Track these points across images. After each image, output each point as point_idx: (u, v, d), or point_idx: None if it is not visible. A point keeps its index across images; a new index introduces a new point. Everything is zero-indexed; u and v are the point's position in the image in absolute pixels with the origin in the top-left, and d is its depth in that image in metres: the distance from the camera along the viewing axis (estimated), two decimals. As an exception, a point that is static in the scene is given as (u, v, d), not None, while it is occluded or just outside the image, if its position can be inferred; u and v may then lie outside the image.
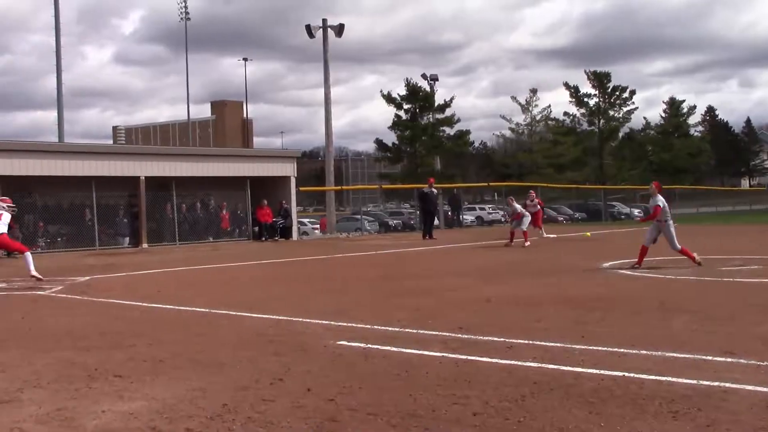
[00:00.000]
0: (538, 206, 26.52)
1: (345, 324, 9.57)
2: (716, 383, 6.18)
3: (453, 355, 7.54)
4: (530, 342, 8.10)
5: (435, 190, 31.42)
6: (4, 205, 15.50)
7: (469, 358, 7.44)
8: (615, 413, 5.53)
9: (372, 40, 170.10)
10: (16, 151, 25.48)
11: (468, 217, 46.16)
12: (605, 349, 7.67)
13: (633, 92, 74.67)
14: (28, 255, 14.98)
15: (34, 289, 14.18)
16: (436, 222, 32.48)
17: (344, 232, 38.04)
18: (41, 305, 12.20)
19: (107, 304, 12.17)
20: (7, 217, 15.30)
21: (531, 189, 28.34)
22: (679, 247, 15.84)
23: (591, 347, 7.75)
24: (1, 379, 6.98)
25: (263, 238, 30.29)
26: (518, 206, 24.74)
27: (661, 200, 15.87)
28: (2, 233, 15.12)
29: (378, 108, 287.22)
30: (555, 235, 28.31)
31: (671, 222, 15.97)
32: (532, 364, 7.07)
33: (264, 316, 10.45)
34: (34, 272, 14.76)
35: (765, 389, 6.00)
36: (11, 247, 16.08)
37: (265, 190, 31.03)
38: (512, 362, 7.18)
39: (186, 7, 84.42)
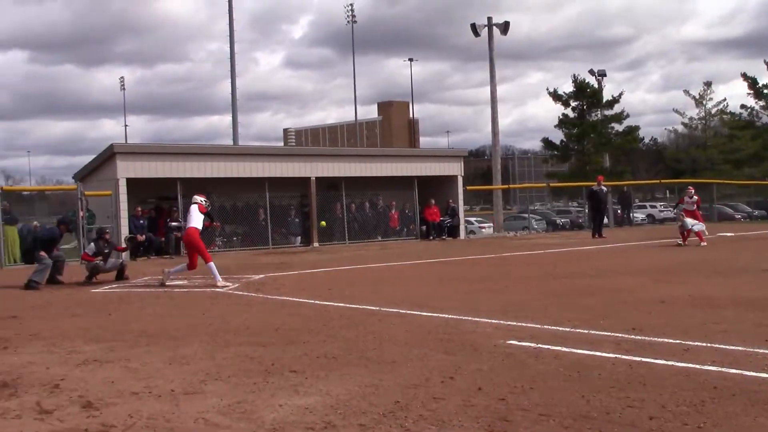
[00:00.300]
0: (695, 206, 25.21)
1: (514, 323, 9.51)
2: None
3: (626, 357, 7.37)
4: (708, 345, 7.81)
5: (604, 188, 30.74)
6: (200, 199, 15.70)
7: (644, 359, 7.24)
8: (804, 421, 5.27)
9: (537, 37, 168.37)
10: (195, 154, 26.62)
11: (638, 216, 44.90)
12: (791, 353, 7.30)
13: (818, 82, 70.54)
14: (212, 265, 15.11)
15: (212, 286, 14.78)
16: (605, 220, 31.79)
17: (511, 231, 37.78)
18: (219, 302, 12.71)
19: (281, 302, 12.56)
20: (198, 215, 15.39)
21: (689, 186, 27.08)
22: None
23: (775, 351, 7.40)
24: (186, 372, 7.32)
25: (431, 237, 30.47)
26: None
27: None
28: (193, 227, 15.29)
29: (544, 106, 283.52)
30: (732, 234, 27.16)
31: None
32: (712, 368, 6.81)
33: (433, 314, 10.51)
34: (221, 282, 14.91)
35: None
36: (199, 249, 15.25)
37: (432, 190, 31.20)
38: (690, 365, 6.94)
39: (353, 11, 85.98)
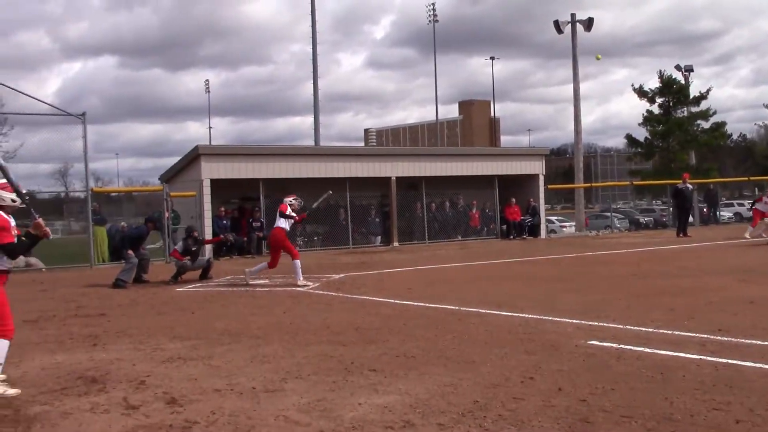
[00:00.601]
0: None
1: (596, 323, 9.39)
2: None
3: (712, 358, 7.21)
4: (802, 346, 7.60)
5: (690, 186, 30.09)
6: (288, 199, 15.68)
7: (730, 361, 7.07)
8: None
9: (622, 33, 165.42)
10: (276, 155, 26.93)
11: (725, 214, 43.82)
12: None
13: None
14: (297, 263, 15.24)
15: (293, 285, 14.93)
16: (690, 219, 31.11)
17: (594, 230, 37.27)
18: (300, 301, 12.83)
19: (361, 301, 12.62)
20: (283, 220, 15.42)
21: None
22: None
23: None
24: (267, 370, 7.42)
25: (511, 237, 30.27)
26: None
27: None
28: (279, 227, 15.37)
29: (629, 103, 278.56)
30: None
31: None
32: (802, 371, 6.62)
33: (513, 314, 10.44)
34: (301, 281, 15.08)
35: None
36: (285, 247, 15.39)
37: (513, 189, 30.98)
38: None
39: (434, 10, 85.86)
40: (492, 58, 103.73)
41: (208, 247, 21.59)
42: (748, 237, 24.35)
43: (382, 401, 6.15)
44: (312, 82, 47.57)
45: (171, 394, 6.56)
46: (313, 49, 47.57)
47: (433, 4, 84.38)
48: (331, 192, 17.33)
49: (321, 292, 14.01)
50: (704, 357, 7.28)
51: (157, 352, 8.50)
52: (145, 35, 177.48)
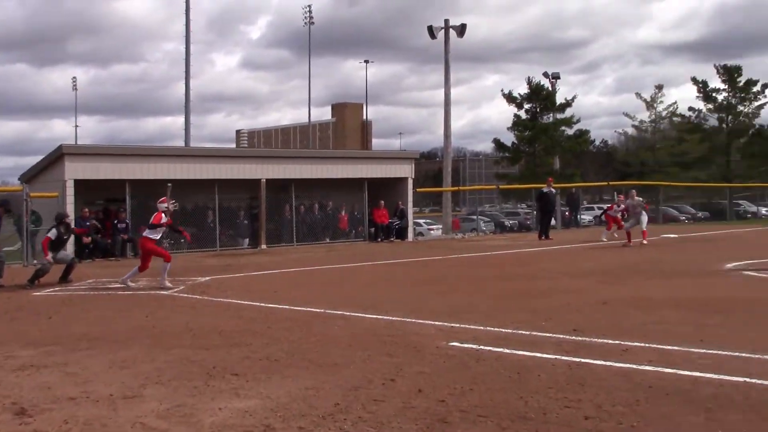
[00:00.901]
0: (621, 213, 25.66)
1: (458, 325, 9.56)
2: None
3: (567, 358, 7.45)
4: (647, 345, 7.94)
5: (554, 190, 31.03)
6: (163, 206, 15.36)
7: (583, 360, 7.34)
8: (734, 420, 5.38)
9: (495, 39, 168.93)
10: (144, 155, 26.35)
11: (586, 217, 45.43)
12: (726, 353, 7.45)
13: (766, 86, 71.94)
14: (168, 266, 15.08)
15: (157, 288, 14.65)
16: (552, 222, 32.06)
17: (460, 233, 37.95)
18: (164, 304, 12.59)
19: (226, 304, 12.48)
20: (152, 230, 15.28)
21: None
22: None
23: (711, 351, 7.54)
24: (126, 376, 7.25)
25: (379, 239, 30.49)
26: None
27: None
28: (147, 237, 15.24)
29: (498, 108, 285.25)
30: (676, 235, 27.58)
31: None
32: (648, 368, 6.92)
33: (378, 316, 10.53)
34: (166, 284, 14.90)
35: None
36: (154, 252, 15.29)
37: (382, 191, 31.21)
38: (627, 365, 7.05)
39: (310, 12, 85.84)
40: (366, 62, 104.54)
41: (71, 248, 20.90)
42: (605, 240, 25.33)
43: (243, 405, 6.11)
44: (185, 81, 46.90)
45: (20, 404, 6.31)
46: (186, 47, 47.00)
47: (310, 6, 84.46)
48: (170, 185, 16.86)
49: (185, 295, 13.78)
50: (559, 357, 7.51)
51: (8, 361, 8.17)
52: (9, 28, 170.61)
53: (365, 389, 6.50)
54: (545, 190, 30.03)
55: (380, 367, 7.34)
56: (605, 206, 29.13)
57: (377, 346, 8.37)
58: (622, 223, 25.36)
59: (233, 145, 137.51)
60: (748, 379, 6.36)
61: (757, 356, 7.24)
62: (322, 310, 11.22)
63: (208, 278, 16.45)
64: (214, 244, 26.96)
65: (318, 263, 20.21)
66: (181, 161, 26.79)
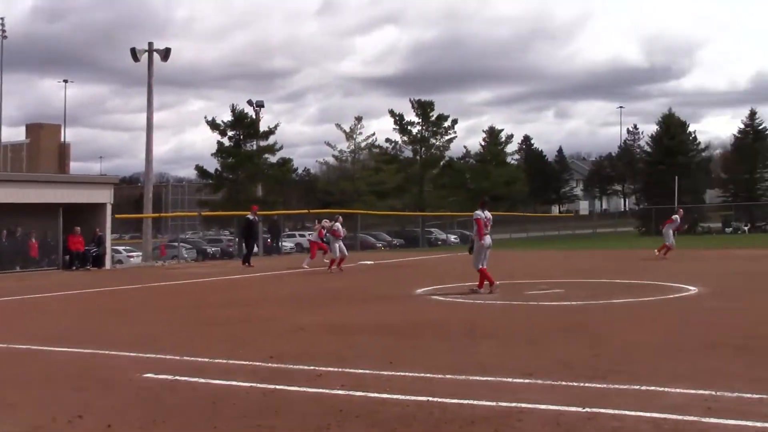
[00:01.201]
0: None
1: (153, 356, 9.31)
2: (514, 404, 6.39)
3: (262, 385, 7.46)
4: (340, 369, 8.13)
5: (257, 218, 31.23)
6: None
7: (278, 387, 7.38)
8: (416, 438, 5.63)
9: (202, 65, 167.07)
10: None
11: (287, 244, 46.16)
12: (413, 374, 7.79)
13: (455, 121, 76.96)
14: None
15: None
16: (255, 249, 32.25)
17: (160, 260, 37.17)
18: None
19: None
20: None
21: (325, 218, 28.24)
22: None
23: (399, 373, 7.85)
24: None
25: (74, 267, 29.14)
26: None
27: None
28: None
29: (203, 134, 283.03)
30: (372, 262, 28.68)
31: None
32: (340, 392, 7.08)
33: (67, 349, 10.02)
34: None
35: (557, 407, 6.26)
36: None
37: (80, 217, 29.87)
38: (321, 390, 7.18)
39: (3, 25, 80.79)
40: (65, 81, 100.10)
41: None
42: (306, 267, 25.82)
43: None
44: None
45: None
46: None
47: (2, 18, 79.53)
48: None
49: None
50: (255, 384, 7.50)
51: None
52: None
53: (47, 429, 6.13)
54: (250, 217, 30.16)
55: (67, 403, 6.96)
56: (312, 233, 29.64)
57: (63, 382, 7.95)
58: (328, 248, 25.97)
59: None
60: (431, 398, 6.68)
61: (440, 376, 7.64)
62: (5, 345, 10.48)
63: None
64: None
65: (6, 294, 18.89)
66: None
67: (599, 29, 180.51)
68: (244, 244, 30.55)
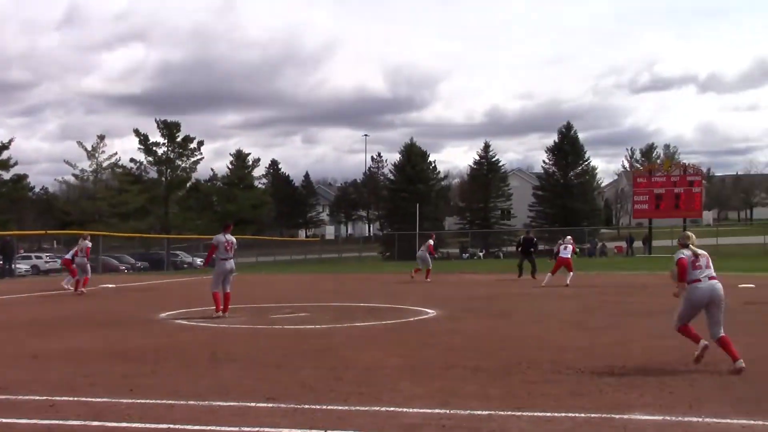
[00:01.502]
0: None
1: None
2: (257, 428, 6.41)
3: None
4: (75, 398, 7.81)
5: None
6: None
7: (8, 420, 6.95)
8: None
9: None
10: None
11: (22, 266, 43.67)
12: (153, 401, 7.62)
13: (201, 143, 76.23)
14: None
15: None
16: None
17: None
18: None
19: None
20: None
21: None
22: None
23: (139, 400, 7.65)
24: None
25: None
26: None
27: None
28: None
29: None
30: (114, 285, 27.75)
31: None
32: (76, 422, 6.81)
33: None
34: None
35: (299, 431, 6.35)
36: None
37: None
38: (54, 422, 6.86)
39: None
40: None
41: None
42: (67, 286, 24.78)
43: None
44: None
45: None
46: None
47: None
48: None
49: None
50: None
51: None
52: None
53: None
54: None
55: None
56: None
57: None
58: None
59: None
60: (172, 426, 6.56)
61: (182, 402, 7.51)
62: None
63: None
64: None
65: None
66: None
67: (346, 59, 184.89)
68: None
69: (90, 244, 24.90)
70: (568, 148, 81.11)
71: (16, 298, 23.10)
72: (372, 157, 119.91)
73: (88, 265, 24.41)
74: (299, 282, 31.95)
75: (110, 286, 27.46)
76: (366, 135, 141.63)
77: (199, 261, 57.39)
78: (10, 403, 7.72)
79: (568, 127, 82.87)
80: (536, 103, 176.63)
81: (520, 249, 30.33)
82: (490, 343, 12.17)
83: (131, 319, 16.45)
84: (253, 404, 7.40)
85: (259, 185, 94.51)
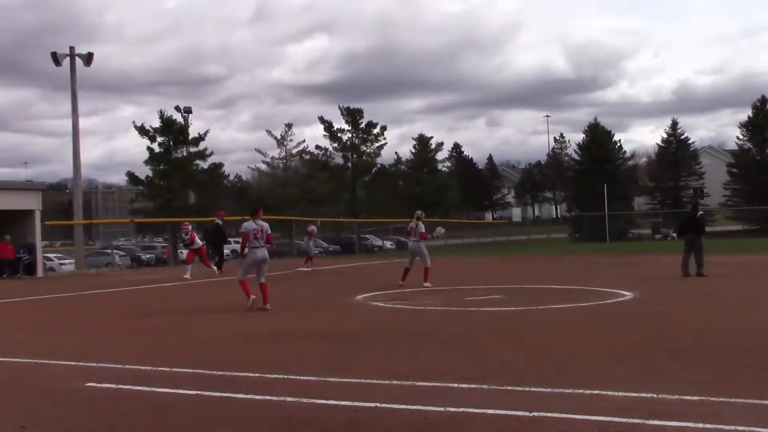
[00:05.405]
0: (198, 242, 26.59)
1: (95, 364, 9.18)
2: (462, 409, 6.46)
3: (208, 393, 7.41)
4: (286, 376, 8.12)
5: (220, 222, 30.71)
6: None
7: (224, 395, 7.34)
8: (367, 444, 5.66)
9: (131, 70, 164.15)
10: None
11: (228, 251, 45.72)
12: (358, 381, 7.82)
13: (384, 128, 77.36)
14: None
15: None
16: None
17: (94, 268, 36.58)
18: None
19: None
20: None
21: (186, 222, 28.17)
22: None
23: (345, 380, 7.87)
24: None
25: (4, 276, 28.55)
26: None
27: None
28: None
29: (134, 140, 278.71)
30: (308, 269, 28.60)
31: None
32: (288, 399, 7.08)
33: (5, 359, 9.83)
34: None
35: (504, 412, 6.36)
36: None
37: (7, 225, 29.29)
38: (267, 398, 7.16)
39: None
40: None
41: None
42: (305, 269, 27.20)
43: None
44: None
45: None
46: None
47: None
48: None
49: None
50: (201, 392, 7.45)
51: None
52: None
53: (-9, 439, 6.04)
54: (219, 222, 29.82)
55: (9, 414, 6.85)
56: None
57: (4, 393, 7.81)
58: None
59: None
60: (379, 404, 6.72)
61: (386, 382, 7.68)
62: (-60, 355, 10.25)
63: None
64: None
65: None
66: None
67: (528, 40, 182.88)
68: (214, 250, 29.85)
69: (314, 228, 29.21)
70: (763, 123, 76.77)
71: (222, 280, 24.21)
72: (554, 138, 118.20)
73: (311, 247, 28.75)
74: (489, 264, 31.93)
75: (305, 269, 28.34)
76: (548, 116, 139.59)
77: (389, 244, 58.38)
78: (227, 379, 8.15)
79: (763, 101, 78.36)
80: (728, 77, 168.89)
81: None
82: (693, 325, 11.78)
83: (329, 301, 16.95)
84: (455, 385, 7.46)
85: (443, 168, 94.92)
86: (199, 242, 26.41)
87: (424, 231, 19.84)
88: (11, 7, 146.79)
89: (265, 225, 15.30)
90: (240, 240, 15.65)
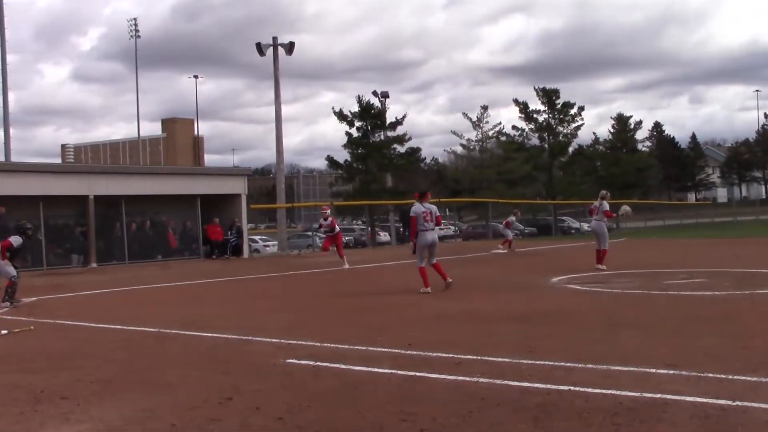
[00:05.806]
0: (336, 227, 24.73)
1: (295, 342, 9.55)
2: (659, 395, 6.29)
3: (402, 372, 7.57)
4: (479, 357, 8.16)
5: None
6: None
7: (418, 374, 7.46)
8: (560, 427, 5.61)
9: (331, 58, 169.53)
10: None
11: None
12: (552, 363, 7.75)
13: (582, 108, 75.57)
14: None
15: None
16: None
17: (296, 249, 37.93)
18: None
19: (54, 326, 12.00)
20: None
21: (326, 206, 27.31)
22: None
23: (538, 362, 7.82)
24: (-56, 403, 6.87)
25: (214, 256, 30.11)
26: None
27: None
28: None
29: (334, 125, 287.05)
30: (504, 250, 28.52)
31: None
32: (481, 380, 7.12)
33: (214, 335, 10.39)
34: None
35: (705, 400, 6.12)
36: None
37: (216, 208, 30.87)
38: (460, 378, 7.23)
39: (136, 25, 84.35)
40: (196, 77, 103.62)
41: None
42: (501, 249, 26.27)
43: (74, 430, 5.90)
44: (1, 91, 44.99)
45: None
46: (2, 55, 44.94)
47: (135, 19, 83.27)
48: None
49: (10, 317, 13.14)
50: (395, 371, 7.62)
51: None
52: None
53: (201, 409, 6.40)
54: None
55: (217, 386, 7.25)
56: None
57: (213, 365, 8.27)
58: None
59: (59, 161, 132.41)
60: (573, 388, 6.64)
61: (581, 365, 7.58)
62: (156, 330, 10.97)
63: (34, 299, 15.76)
64: (41, 263, 25.89)
65: (150, 282, 19.74)
66: (1, 177, 25.63)
67: (733, 12, 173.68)
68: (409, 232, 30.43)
69: (513, 219, 30.30)
70: None
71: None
72: (765, 114, 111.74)
73: (509, 233, 29.23)
74: (691, 247, 30.69)
75: (501, 251, 28.28)
76: (758, 90, 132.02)
77: (587, 226, 57.22)
78: (420, 359, 8.28)
79: None
80: None
81: None
82: None
83: (524, 283, 16.84)
84: (653, 370, 7.26)
85: (643, 148, 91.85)
86: (337, 228, 24.68)
87: (608, 209, 19.40)
88: (219, 4, 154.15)
89: (434, 207, 15.51)
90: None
